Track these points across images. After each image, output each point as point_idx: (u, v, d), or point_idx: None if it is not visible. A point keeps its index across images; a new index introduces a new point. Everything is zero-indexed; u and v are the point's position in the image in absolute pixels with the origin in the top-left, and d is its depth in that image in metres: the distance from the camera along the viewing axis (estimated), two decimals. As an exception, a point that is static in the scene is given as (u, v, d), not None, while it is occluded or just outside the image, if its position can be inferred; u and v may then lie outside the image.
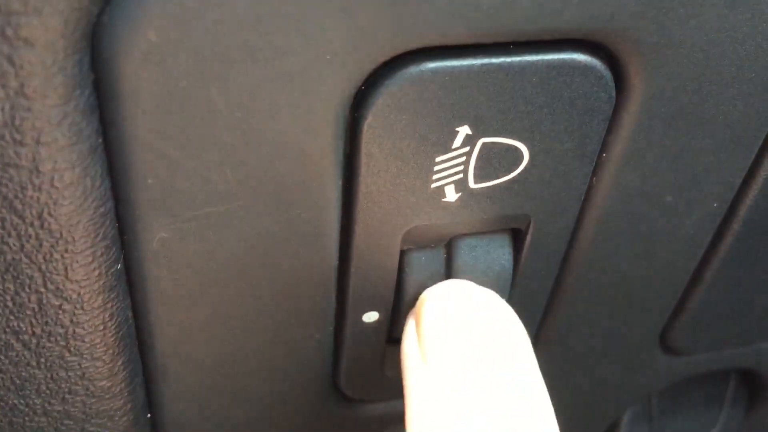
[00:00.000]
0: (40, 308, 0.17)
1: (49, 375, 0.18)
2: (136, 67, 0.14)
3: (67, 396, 0.19)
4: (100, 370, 0.19)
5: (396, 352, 0.23)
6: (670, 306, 0.24)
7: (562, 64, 0.16)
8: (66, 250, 0.16)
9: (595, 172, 0.19)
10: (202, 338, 0.20)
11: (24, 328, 0.17)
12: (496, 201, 0.19)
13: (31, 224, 0.15)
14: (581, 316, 0.23)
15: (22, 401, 0.19)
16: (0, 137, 0.14)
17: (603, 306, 0.23)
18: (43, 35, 0.13)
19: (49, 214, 0.15)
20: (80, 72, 0.14)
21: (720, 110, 0.18)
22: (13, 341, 0.17)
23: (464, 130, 0.17)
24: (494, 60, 0.16)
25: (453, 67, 0.16)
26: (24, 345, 0.18)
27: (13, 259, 0.16)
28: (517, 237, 0.20)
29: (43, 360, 0.18)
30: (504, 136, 0.17)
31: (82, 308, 0.17)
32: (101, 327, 0.18)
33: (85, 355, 0.18)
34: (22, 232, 0.15)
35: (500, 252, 0.20)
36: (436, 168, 0.17)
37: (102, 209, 0.16)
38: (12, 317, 0.17)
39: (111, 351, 0.18)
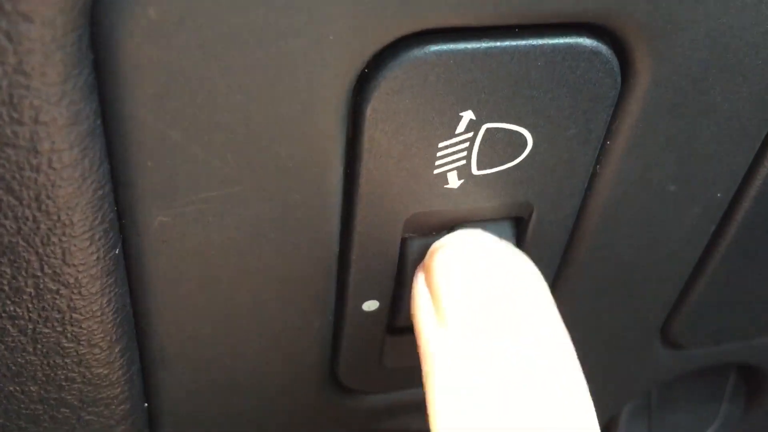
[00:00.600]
0: (37, 293, 0.17)
1: (45, 362, 0.18)
2: (136, 46, 0.14)
3: (63, 383, 0.19)
4: (97, 357, 0.18)
5: (396, 343, 0.23)
6: (671, 298, 0.24)
7: (568, 48, 0.16)
8: (64, 234, 0.16)
9: (598, 159, 0.19)
10: (201, 326, 0.20)
11: (20, 313, 0.17)
12: (499, 188, 0.18)
13: (29, 206, 0.15)
14: (582, 307, 0.23)
15: (17, 388, 0.19)
16: None
17: (604, 297, 0.23)
18: (42, 11, 0.13)
19: (47, 196, 0.15)
20: (79, 50, 0.13)
21: (725, 98, 0.18)
22: (9, 326, 0.17)
23: (468, 115, 0.17)
24: (499, 43, 0.16)
25: (457, 51, 0.16)
26: (20, 330, 0.17)
27: (10, 242, 0.15)
28: (519, 225, 0.20)
29: (39, 346, 0.18)
30: (508, 122, 0.17)
31: (80, 293, 0.17)
32: (99, 313, 0.17)
33: (82, 342, 0.18)
34: (19, 214, 0.15)
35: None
36: (439, 154, 0.17)
37: (101, 192, 0.15)
38: (8, 302, 0.17)
39: (108, 338, 0.18)
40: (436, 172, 0.18)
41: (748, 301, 0.25)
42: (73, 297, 0.17)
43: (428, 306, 0.17)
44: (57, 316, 0.17)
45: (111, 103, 0.15)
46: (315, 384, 0.23)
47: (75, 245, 0.16)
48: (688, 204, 0.21)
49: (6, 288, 0.16)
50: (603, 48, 0.16)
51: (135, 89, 0.14)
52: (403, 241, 0.19)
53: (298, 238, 0.18)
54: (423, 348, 0.17)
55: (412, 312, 0.18)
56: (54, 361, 0.18)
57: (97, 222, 0.16)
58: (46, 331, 0.17)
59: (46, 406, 0.19)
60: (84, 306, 0.17)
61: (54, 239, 0.16)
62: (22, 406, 0.19)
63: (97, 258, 0.16)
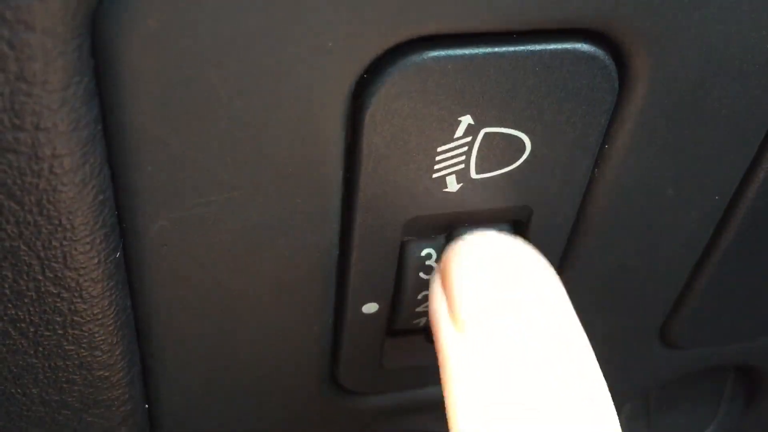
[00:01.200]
0: (39, 296, 0.17)
1: (46, 364, 0.18)
2: (136, 54, 0.14)
3: (64, 386, 0.19)
4: (98, 359, 0.18)
5: (396, 344, 0.23)
6: (670, 300, 0.24)
7: (566, 53, 0.16)
8: (65, 238, 0.16)
9: (596, 163, 0.19)
10: (201, 329, 0.20)
11: (22, 317, 0.17)
12: (498, 192, 0.18)
13: (30, 211, 0.15)
14: (581, 309, 0.23)
15: (19, 390, 0.19)
16: None
17: (603, 299, 0.23)
18: (44, 19, 0.13)
19: (48, 200, 0.15)
20: (80, 57, 0.14)
21: (723, 103, 0.18)
22: (10, 329, 0.17)
23: (466, 120, 0.17)
24: (497, 49, 0.16)
25: (455, 56, 0.16)
26: (22, 333, 0.17)
27: (12, 246, 0.16)
28: (518, 229, 0.20)
29: (41, 349, 0.18)
30: (506, 126, 0.17)
31: (81, 297, 0.17)
32: (100, 316, 0.17)
33: (83, 345, 0.18)
34: (21, 219, 0.15)
35: (501, 244, 0.20)
36: (437, 158, 0.17)
37: (101, 197, 0.16)
38: (10, 305, 0.17)
39: (109, 340, 0.18)
40: (435, 176, 0.18)
41: (746, 303, 0.26)
42: (74, 300, 0.17)
43: (445, 310, 0.17)
44: (58, 319, 0.17)
45: (111, 110, 0.15)
46: (315, 386, 0.23)
47: (76, 249, 0.16)
48: (687, 207, 0.21)
49: (7, 291, 0.16)
50: (600, 53, 0.17)
51: (135, 95, 0.15)
52: (403, 244, 0.19)
53: (298, 242, 0.18)
54: (441, 352, 0.17)
55: (429, 316, 0.18)
56: (55, 364, 0.18)
57: (97, 226, 0.16)
58: (48, 334, 0.18)
59: (47, 409, 0.20)
60: (85, 309, 0.17)
61: (55, 243, 0.16)
62: (24, 408, 0.19)
63: (98, 262, 0.16)
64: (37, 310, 0.17)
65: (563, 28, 0.16)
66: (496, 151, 0.18)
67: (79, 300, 0.17)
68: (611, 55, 0.17)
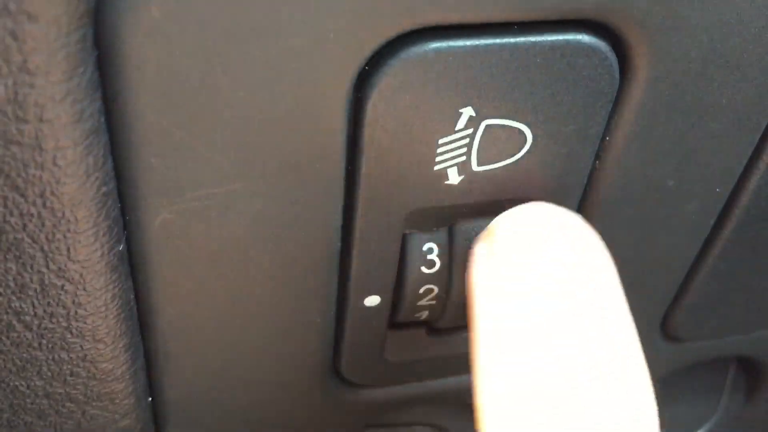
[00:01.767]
0: (42, 289, 0.17)
1: (50, 357, 0.18)
2: (139, 44, 0.14)
3: (68, 378, 0.19)
4: (101, 352, 0.19)
5: (397, 337, 0.23)
6: (671, 292, 0.24)
7: (567, 45, 0.16)
8: (68, 230, 0.16)
9: (597, 155, 0.19)
10: (204, 321, 0.20)
11: (26, 309, 0.17)
12: (499, 184, 0.18)
13: (34, 203, 0.15)
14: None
15: (23, 383, 0.19)
16: (2, 113, 0.14)
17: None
18: (47, 10, 0.13)
19: (52, 193, 0.15)
20: (83, 48, 0.14)
21: (723, 94, 0.18)
22: (14, 322, 0.17)
23: (468, 112, 0.17)
24: (498, 40, 0.16)
25: (457, 47, 0.16)
26: (25, 326, 0.17)
27: (15, 238, 0.16)
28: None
29: (44, 341, 0.18)
30: (507, 118, 0.17)
31: (84, 289, 0.17)
32: (103, 308, 0.18)
33: (86, 337, 0.18)
34: (24, 211, 0.15)
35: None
36: (439, 150, 0.17)
37: (104, 189, 0.16)
38: (14, 297, 0.17)
39: (113, 333, 0.18)
40: (436, 168, 0.18)
41: (747, 295, 0.26)
42: (78, 293, 0.17)
43: (488, 281, 0.16)
44: (62, 311, 0.17)
45: (114, 101, 0.15)
46: (317, 378, 0.23)
47: (79, 241, 0.16)
48: (687, 199, 0.21)
49: (11, 284, 0.16)
50: (602, 45, 0.17)
51: (138, 87, 0.15)
52: (404, 237, 0.19)
53: (300, 234, 0.18)
54: (479, 325, 0.16)
55: (468, 282, 0.17)
56: (59, 356, 0.18)
57: (101, 218, 0.16)
58: (51, 326, 0.18)
59: (51, 401, 0.20)
60: (89, 302, 0.17)
61: (59, 235, 0.16)
62: (28, 400, 0.19)
63: (102, 254, 0.17)
64: (41, 302, 0.17)
65: (564, 19, 0.16)
66: (498, 143, 0.18)
67: (82, 292, 0.17)
68: (612, 46, 0.17)
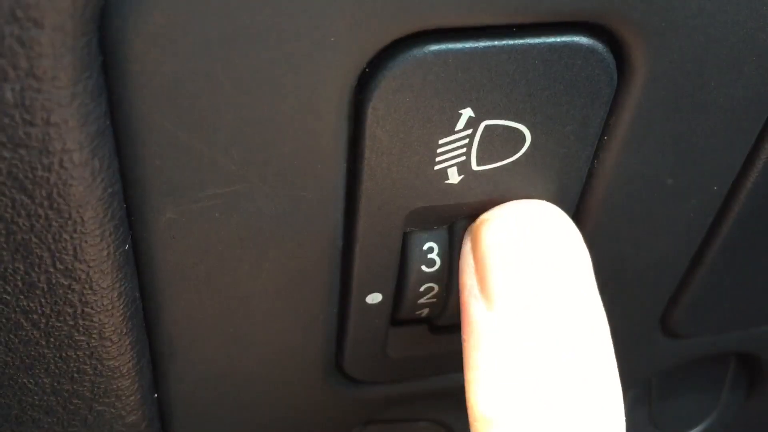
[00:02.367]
0: (50, 288, 0.17)
1: (58, 354, 0.19)
2: (144, 49, 0.14)
3: (75, 375, 0.19)
4: (108, 349, 0.19)
5: (399, 334, 0.23)
6: (670, 289, 0.25)
7: (565, 47, 0.16)
8: (75, 231, 0.16)
9: (596, 155, 0.19)
10: (208, 319, 0.20)
11: (34, 308, 0.17)
12: (498, 183, 0.19)
13: (41, 204, 0.15)
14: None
15: (31, 380, 0.19)
16: (10, 117, 0.14)
17: (603, 288, 0.23)
18: (53, 17, 0.13)
19: (59, 194, 0.15)
20: (89, 54, 0.14)
21: (721, 93, 0.18)
22: (23, 320, 0.18)
23: (467, 113, 0.17)
24: (497, 42, 0.16)
25: (456, 50, 0.16)
26: (33, 324, 0.18)
27: (23, 239, 0.16)
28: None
29: (52, 339, 0.18)
30: (506, 119, 0.17)
31: (91, 288, 0.17)
32: (110, 307, 0.18)
33: (93, 335, 0.18)
34: (32, 213, 0.15)
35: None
36: (439, 150, 0.18)
37: (110, 190, 0.16)
38: (22, 297, 0.17)
39: (119, 331, 0.19)
40: (436, 168, 0.18)
41: (746, 291, 0.26)
42: (85, 292, 0.17)
43: (475, 285, 0.17)
44: (69, 310, 0.18)
45: (120, 104, 0.15)
46: (320, 374, 0.23)
47: (86, 242, 0.16)
48: (686, 197, 0.21)
49: (20, 283, 0.17)
50: (599, 46, 0.17)
51: (143, 90, 0.15)
52: (405, 236, 0.20)
53: (302, 233, 0.19)
54: (468, 326, 0.17)
55: (459, 285, 0.18)
56: (66, 354, 0.19)
57: (107, 219, 0.16)
58: (59, 324, 0.18)
59: (58, 398, 0.20)
60: (95, 300, 0.17)
61: (66, 236, 0.16)
62: (36, 397, 0.20)
63: (108, 254, 0.17)
64: (48, 301, 0.17)
65: (562, 21, 0.16)
66: (497, 143, 0.18)
67: (89, 291, 0.17)
68: (610, 47, 0.17)
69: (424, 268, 0.20)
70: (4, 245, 0.16)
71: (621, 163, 0.19)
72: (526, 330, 0.17)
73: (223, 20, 0.14)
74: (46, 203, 0.15)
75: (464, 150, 0.18)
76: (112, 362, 0.19)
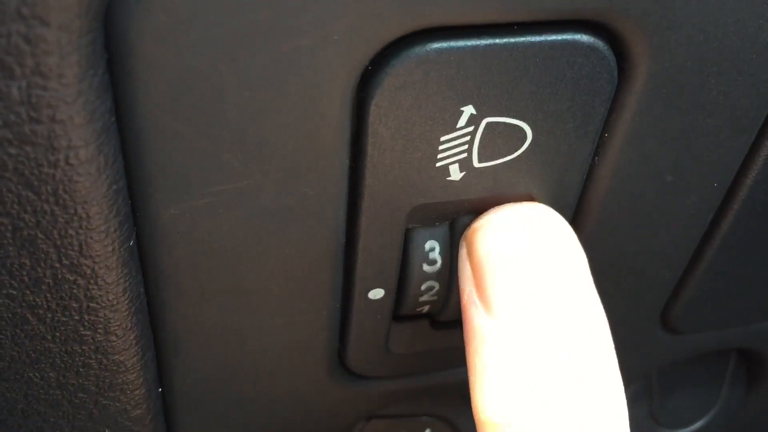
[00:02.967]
0: (55, 283, 0.17)
1: (63, 349, 0.19)
2: (148, 46, 0.14)
3: (81, 370, 0.20)
4: (113, 344, 0.19)
5: (401, 330, 0.23)
6: (671, 285, 0.25)
7: (565, 44, 0.17)
8: (81, 227, 0.16)
9: (596, 151, 0.19)
10: (212, 314, 0.20)
11: (39, 303, 0.18)
12: (500, 180, 0.19)
13: (47, 201, 0.15)
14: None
15: (37, 374, 0.19)
16: (17, 115, 0.14)
17: (604, 285, 0.23)
18: (59, 15, 0.13)
19: (64, 190, 0.15)
20: (94, 51, 0.14)
21: (721, 90, 0.19)
22: (28, 315, 0.18)
23: (469, 110, 0.17)
24: (498, 40, 0.16)
25: (458, 48, 0.16)
26: (39, 319, 0.18)
27: (29, 234, 0.16)
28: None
29: (57, 334, 0.18)
30: (508, 116, 0.18)
31: (96, 283, 0.17)
32: (115, 302, 0.18)
33: (98, 330, 0.18)
34: (38, 209, 0.16)
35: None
36: (441, 147, 0.18)
37: (115, 186, 0.16)
38: (28, 292, 0.17)
39: (124, 326, 0.19)
40: (438, 164, 0.18)
41: (746, 287, 0.26)
42: (90, 287, 0.17)
43: (473, 290, 0.17)
44: (74, 305, 0.18)
45: (125, 102, 0.15)
46: (323, 369, 0.23)
47: (91, 237, 0.16)
48: (686, 193, 0.21)
49: (26, 279, 0.17)
50: (600, 44, 0.17)
51: (147, 87, 0.15)
52: (407, 232, 0.20)
53: (305, 230, 0.19)
54: (470, 331, 0.17)
55: (459, 286, 0.18)
56: (72, 349, 0.19)
57: (112, 215, 0.16)
58: (64, 319, 0.18)
59: (64, 392, 0.20)
60: (100, 295, 0.18)
61: (71, 232, 0.16)
62: (41, 391, 0.20)
63: (113, 249, 0.17)
64: (54, 296, 0.17)
65: (563, 19, 0.16)
66: (498, 140, 0.18)
67: (94, 287, 0.17)
68: (610, 45, 0.17)
69: (425, 266, 0.20)
70: (11, 241, 0.16)
71: (621, 159, 0.19)
72: (526, 333, 0.17)
73: (227, 18, 0.14)
74: (51, 199, 0.15)
75: (466, 147, 0.18)
76: (117, 357, 0.19)
